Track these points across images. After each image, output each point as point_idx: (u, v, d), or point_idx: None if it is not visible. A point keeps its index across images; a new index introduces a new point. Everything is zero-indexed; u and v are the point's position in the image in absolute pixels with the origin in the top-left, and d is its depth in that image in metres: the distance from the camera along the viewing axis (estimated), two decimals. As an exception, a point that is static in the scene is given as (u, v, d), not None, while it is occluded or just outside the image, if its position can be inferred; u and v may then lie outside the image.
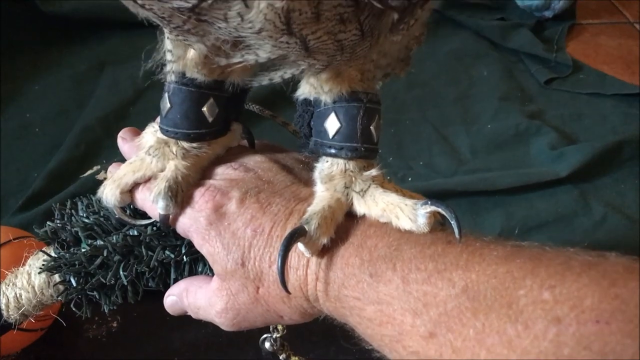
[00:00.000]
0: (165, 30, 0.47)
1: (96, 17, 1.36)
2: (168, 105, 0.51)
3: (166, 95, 0.51)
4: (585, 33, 1.55)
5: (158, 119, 0.55)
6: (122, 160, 0.57)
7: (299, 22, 0.35)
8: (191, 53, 0.49)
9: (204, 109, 0.51)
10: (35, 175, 1.02)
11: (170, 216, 0.50)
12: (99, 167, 1.02)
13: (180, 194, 0.50)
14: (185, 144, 0.52)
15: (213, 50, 0.42)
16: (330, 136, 0.49)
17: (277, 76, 0.43)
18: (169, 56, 0.50)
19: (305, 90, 0.50)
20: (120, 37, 1.35)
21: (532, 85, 1.36)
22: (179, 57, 0.49)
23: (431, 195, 1.00)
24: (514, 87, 1.34)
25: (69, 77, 1.26)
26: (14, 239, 0.72)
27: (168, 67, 0.50)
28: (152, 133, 0.54)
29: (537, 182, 1.05)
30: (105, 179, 0.55)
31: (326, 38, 0.37)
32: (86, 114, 1.15)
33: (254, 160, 0.54)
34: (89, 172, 1.01)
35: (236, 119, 0.55)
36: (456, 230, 0.42)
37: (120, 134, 0.59)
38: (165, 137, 0.52)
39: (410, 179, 1.08)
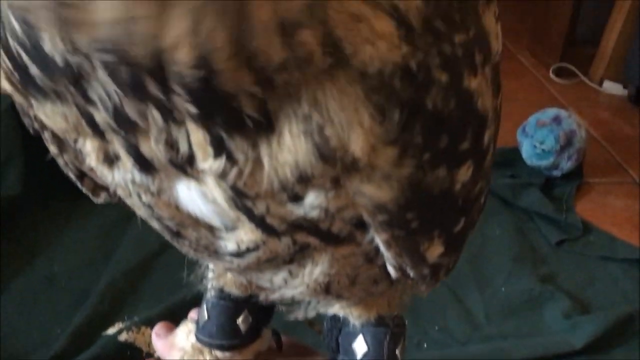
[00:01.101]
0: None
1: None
2: (206, 317, 0.54)
3: (205, 307, 0.55)
4: (592, 192, 1.61)
5: (193, 314, 0.58)
6: (146, 319, 0.59)
7: (337, 288, 0.39)
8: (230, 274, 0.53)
9: (239, 321, 0.54)
10: (58, 332, 1.04)
11: None
12: (121, 325, 1.04)
13: None
14: (219, 354, 0.54)
15: (253, 287, 0.46)
16: (358, 358, 0.52)
17: (311, 312, 0.46)
18: (209, 273, 0.54)
19: (335, 308, 0.53)
20: (149, 189, 1.41)
21: (544, 246, 1.39)
22: (219, 275, 0.53)
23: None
24: (526, 247, 1.38)
25: (97, 227, 1.31)
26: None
27: (209, 283, 0.54)
28: (185, 334, 0.57)
29: (553, 353, 1.06)
30: (126, 340, 0.57)
31: (359, 292, 0.42)
32: (111, 267, 1.19)
33: (282, 368, 0.56)
34: (111, 330, 1.03)
35: (266, 325, 0.58)
36: None
37: (155, 330, 0.61)
38: (199, 345, 0.55)
39: (425, 345, 1.09)
